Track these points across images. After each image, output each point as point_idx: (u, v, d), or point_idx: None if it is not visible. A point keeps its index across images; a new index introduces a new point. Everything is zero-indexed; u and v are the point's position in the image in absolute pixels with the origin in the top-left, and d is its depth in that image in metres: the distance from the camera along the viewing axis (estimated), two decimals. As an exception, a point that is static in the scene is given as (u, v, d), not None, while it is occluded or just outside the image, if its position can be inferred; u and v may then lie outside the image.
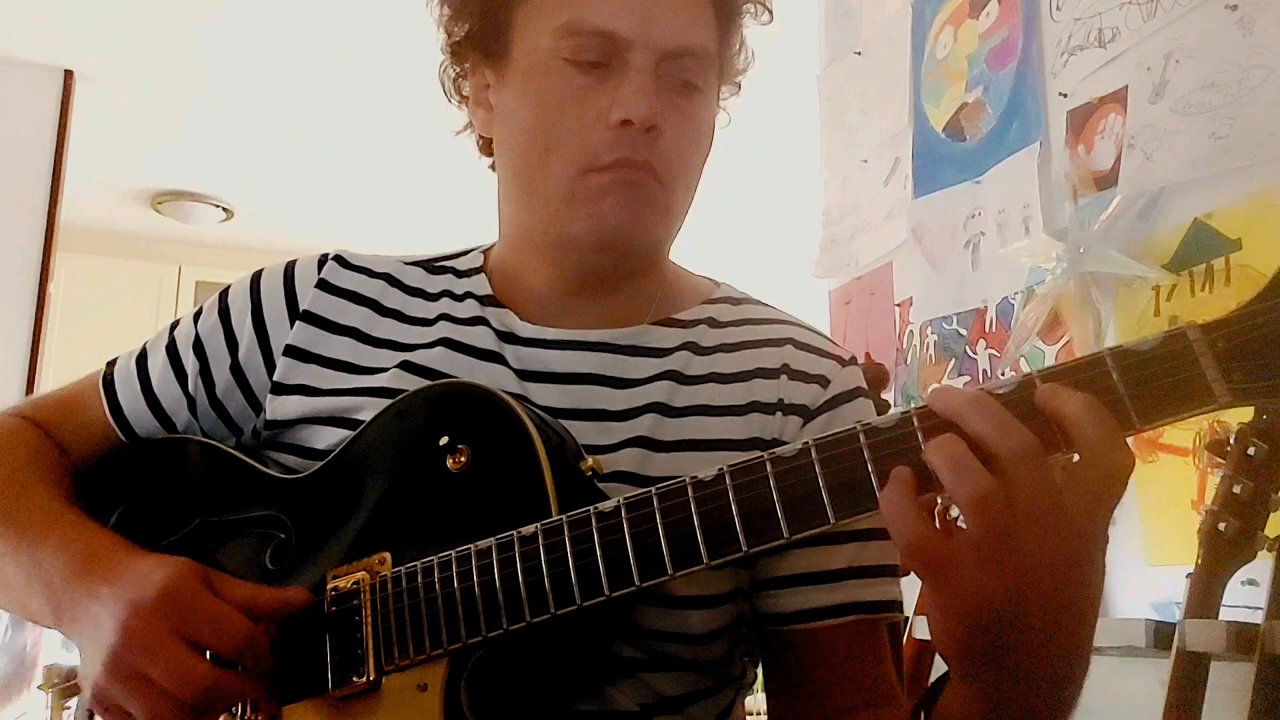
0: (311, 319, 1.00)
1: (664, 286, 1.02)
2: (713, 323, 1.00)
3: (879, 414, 1.00)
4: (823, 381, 0.95)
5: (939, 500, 0.75)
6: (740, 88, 1.06)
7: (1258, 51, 1.45)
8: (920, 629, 1.67)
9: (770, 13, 1.03)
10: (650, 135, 0.90)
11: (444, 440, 0.85)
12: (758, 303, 1.05)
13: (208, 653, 0.81)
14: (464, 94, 1.03)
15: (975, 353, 1.97)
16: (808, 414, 0.94)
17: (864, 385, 0.99)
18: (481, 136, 1.03)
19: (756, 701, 2.62)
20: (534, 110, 0.94)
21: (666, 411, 0.93)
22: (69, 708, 1.16)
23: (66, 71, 3.52)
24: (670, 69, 0.92)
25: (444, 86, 1.04)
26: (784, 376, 0.95)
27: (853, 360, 1.00)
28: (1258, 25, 1.46)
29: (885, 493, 0.66)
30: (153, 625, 0.80)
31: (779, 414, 0.94)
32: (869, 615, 0.91)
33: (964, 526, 0.64)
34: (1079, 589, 0.64)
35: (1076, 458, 0.64)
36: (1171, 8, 1.59)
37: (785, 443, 0.90)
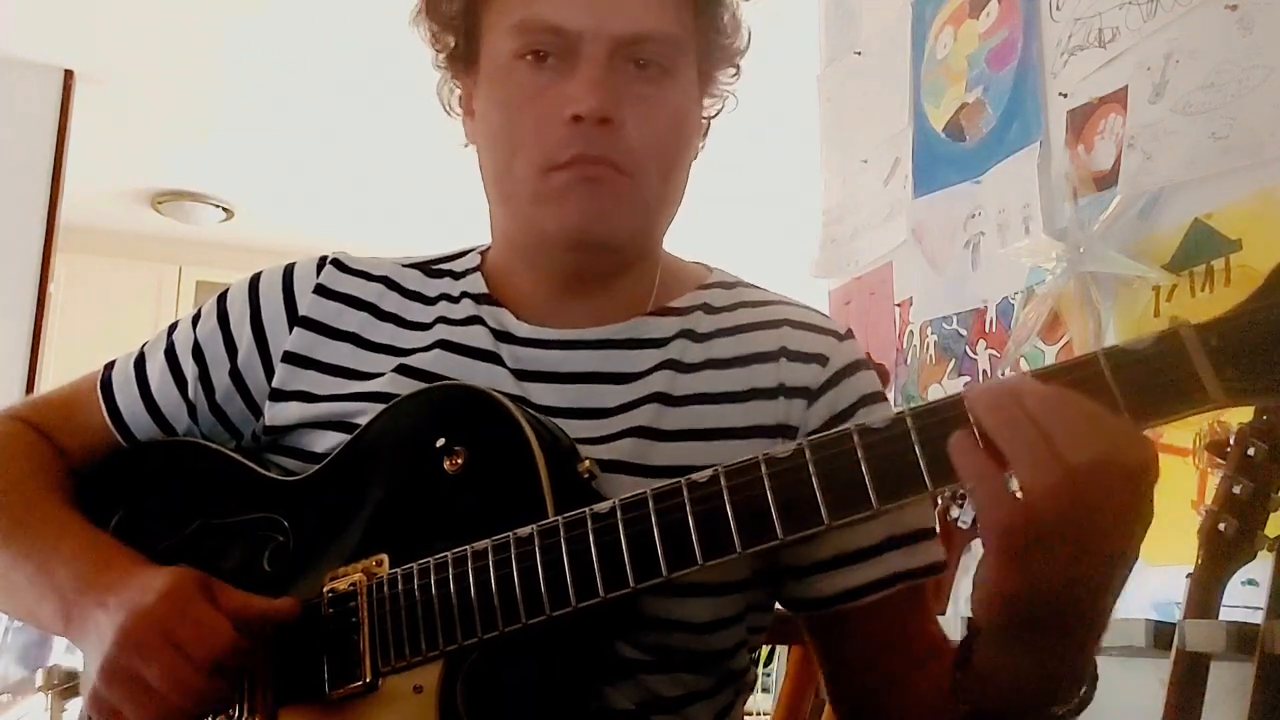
0: (310, 324, 1.00)
1: (659, 277, 1.01)
2: (708, 309, 0.99)
3: (882, 389, 1.00)
4: (821, 360, 0.95)
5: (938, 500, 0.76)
6: (739, 69, 1.04)
7: (1258, 51, 1.45)
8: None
9: None
10: (606, 128, 0.89)
11: (441, 442, 0.85)
12: (751, 286, 1.04)
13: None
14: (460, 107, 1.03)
15: (975, 353, 1.97)
16: (811, 395, 0.94)
17: (863, 357, 0.99)
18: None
19: (756, 702, 2.62)
20: (498, 113, 0.94)
21: (668, 401, 0.93)
22: (69, 709, 1.16)
23: (66, 71, 3.52)
24: (628, 56, 0.91)
25: (441, 100, 1.04)
26: (782, 359, 0.95)
27: (849, 333, 1.00)
28: (1258, 25, 1.45)
29: (973, 462, 0.66)
30: (145, 629, 0.81)
31: (781, 398, 0.93)
32: (915, 581, 0.92)
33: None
34: (1122, 568, 0.68)
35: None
36: (1171, 8, 1.59)
37: (791, 427, 0.91)
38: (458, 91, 1.02)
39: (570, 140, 0.89)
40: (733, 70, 1.03)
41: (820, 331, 0.98)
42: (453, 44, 0.99)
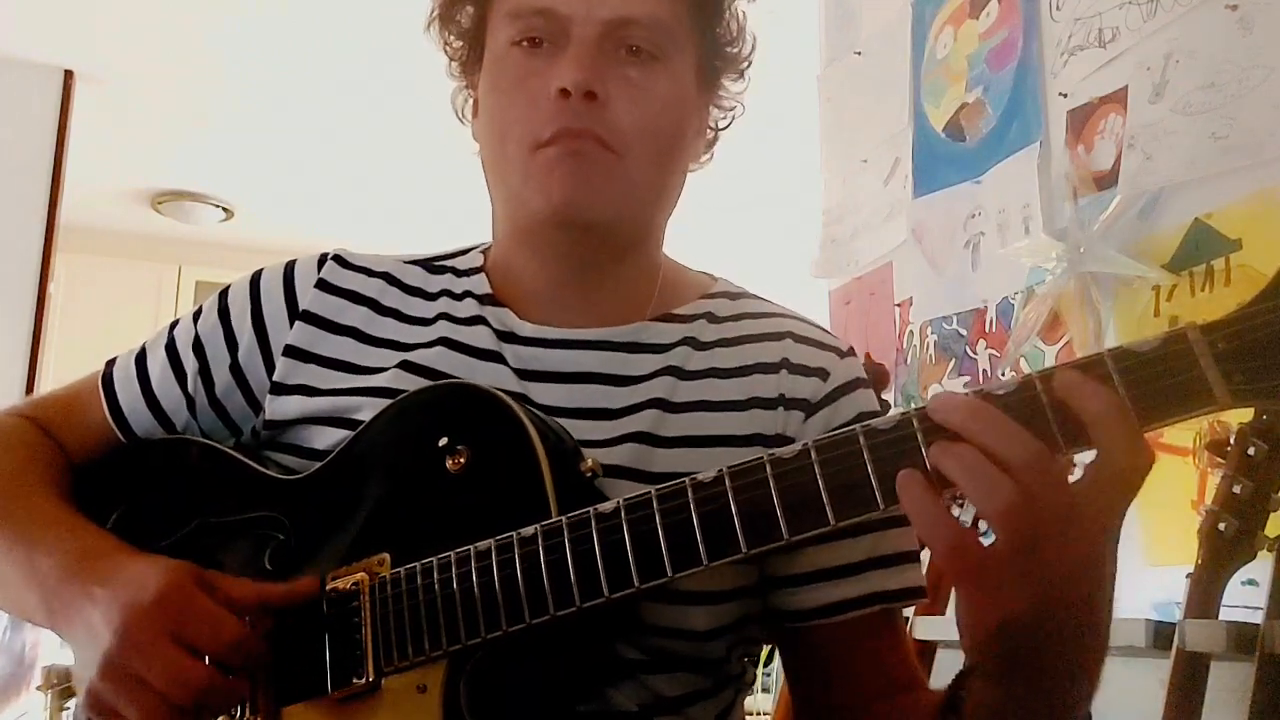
0: (311, 319, 1.00)
1: (661, 282, 1.01)
2: (711, 318, 1.00)
3: (880, 407, 1.00)
4: (822, 374, 0.95)
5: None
6: (744, 75, 1.05)
7: (1258, 51, 1.45)
8: (920, 630, 1.67)
9: None
10: (592, 103, 0.90)
11: (443, 441, 0.85)
12: (755, 297, 1.04)
13: (207, 657, 0.81)
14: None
15: (975, 353, 1.97)
16: (809, 408, 0.94)
17: (864, 375, 0.99)
18: None
19: (756, 702, 2.62)
20: (493, 99, 0.96)
21: (667, 407, 0.93)
22: (68, 708, 1.16)
23: (66, 71, 3.52)
24: (617, 39, 0.92)
25: (455, 109, 1.05)
26: (784, 371, 0.95)
27: (851, 351, 1.00)
28: (1258, 25, 1.45)
29: (914, 497, 0.66)
30: (147, 627, 0.80)
31: (780, 409, 0.93)
32: (892, 604, 0.92)
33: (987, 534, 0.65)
34: (1096, 585, 0.67)
35: (1086, 457, 0.64)
36: (1171, 8, 1.59)
37: (789, 438, 0.91)
38: (472, 99, 1.02)
39: (556, 115, 0.90)
40: (737, 77, 1.04)
41: (823, 347, 0.98)
42: (465, 52, 1.00)
